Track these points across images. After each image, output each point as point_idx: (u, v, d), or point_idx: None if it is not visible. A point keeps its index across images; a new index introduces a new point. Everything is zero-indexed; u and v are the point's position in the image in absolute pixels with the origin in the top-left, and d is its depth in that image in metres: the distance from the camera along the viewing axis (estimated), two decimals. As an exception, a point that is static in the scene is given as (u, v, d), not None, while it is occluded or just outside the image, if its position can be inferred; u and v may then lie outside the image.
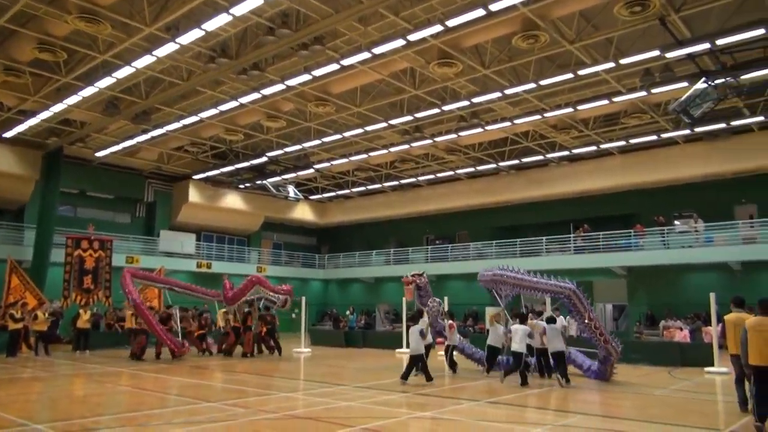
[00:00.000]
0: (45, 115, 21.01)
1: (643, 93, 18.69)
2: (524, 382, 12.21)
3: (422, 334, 12.58)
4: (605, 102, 19.64)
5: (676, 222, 24.82)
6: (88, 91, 18.73)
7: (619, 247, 25.66)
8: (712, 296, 15.32)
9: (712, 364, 14.74)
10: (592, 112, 21.59)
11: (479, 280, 14.08)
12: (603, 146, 24.97)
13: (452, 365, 14.58)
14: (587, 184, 27.62)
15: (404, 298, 20.34)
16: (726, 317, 9.52)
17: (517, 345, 12.58)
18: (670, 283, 25.13)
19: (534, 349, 13.35)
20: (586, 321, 12.97)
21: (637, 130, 23.41)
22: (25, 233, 26.01)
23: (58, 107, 20.19)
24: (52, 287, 23.56)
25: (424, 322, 13.28)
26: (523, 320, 13.04)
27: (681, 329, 19.84)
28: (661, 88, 18.16)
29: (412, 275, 15.21)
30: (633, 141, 24.06)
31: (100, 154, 26.39)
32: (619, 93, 19.11)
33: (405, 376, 12.50)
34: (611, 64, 16.57)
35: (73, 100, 19.46)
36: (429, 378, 12.55)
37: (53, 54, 16.67)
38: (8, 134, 23.41)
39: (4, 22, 14.91)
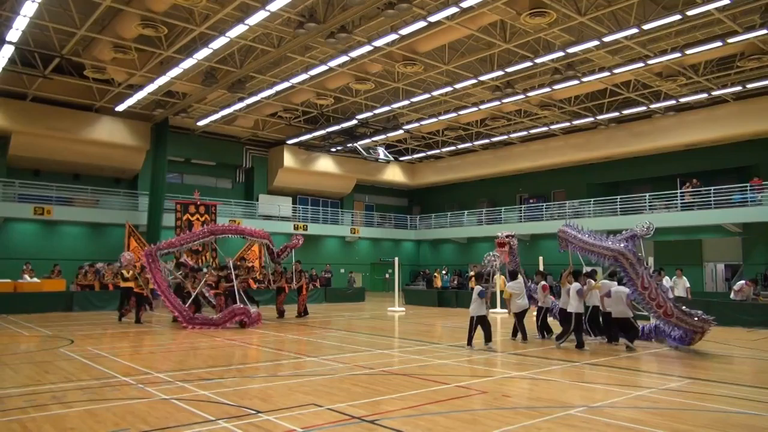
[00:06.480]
0: (151, 88, 22.35)
1: (764, 31, 16.89)
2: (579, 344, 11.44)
3: (481, 295, 11.59)
4: (719, 44, 17.96)
5: (801, 173, 22.59)
6: (188, 63, 19.67)
7: (733, 202, 23.83)
8: (843, 254, 13.88)
9: (841, 329, 13.49)
10: (702, 57, 19.86)
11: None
12: (715, 93, 23.00)
13: (542, 329, 13.38)
14: (697, 136, 25.66)
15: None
16: None
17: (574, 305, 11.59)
18: (792, 241, 23.10)
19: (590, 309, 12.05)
20: (640, 290, 11.27)
21: (756, 73, 21.31)
22: (139, 200, 28.20)
23: (162, 80, 21.38)
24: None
25: (518, 283, 12.93)
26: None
27: (804, 290, 18.25)
28: (785, 24, 16.35)
29: (506, 235, 14.40)
30: (750, 86, 21.98)
31: (201, 123, 27.86)
32: (735, 33, 17.39)
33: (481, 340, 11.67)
34: (726, 1, 15.06)
35: (174, 72, 20.52)
36: (488, 338, 11.58)
37: (155, 29, 17.59)
38: (120, 108, 25.22)
39: (111, 2, 15.87)
